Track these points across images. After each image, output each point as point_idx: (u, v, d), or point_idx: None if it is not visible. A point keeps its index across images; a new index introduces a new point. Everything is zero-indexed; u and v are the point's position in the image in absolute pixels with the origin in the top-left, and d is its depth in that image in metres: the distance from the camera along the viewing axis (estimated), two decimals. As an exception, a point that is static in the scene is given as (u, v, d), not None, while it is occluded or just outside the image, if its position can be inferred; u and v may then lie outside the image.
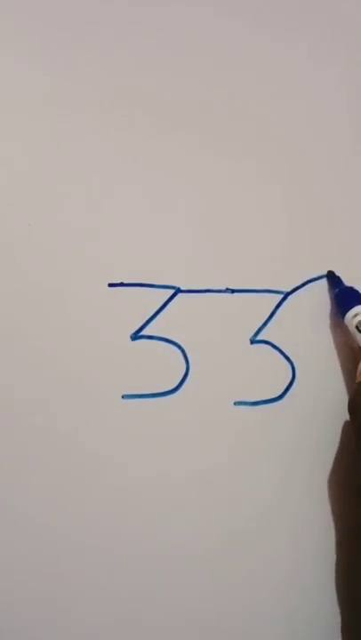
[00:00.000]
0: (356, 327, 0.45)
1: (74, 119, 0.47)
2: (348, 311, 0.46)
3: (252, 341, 0.47)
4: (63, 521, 0.41)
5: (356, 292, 0.47)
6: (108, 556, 0.41)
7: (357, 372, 0.43)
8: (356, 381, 0.43)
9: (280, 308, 0.47)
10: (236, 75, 0.51)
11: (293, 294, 0.48)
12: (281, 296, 0.48)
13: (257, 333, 0.47)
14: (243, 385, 0.45)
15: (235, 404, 0.45)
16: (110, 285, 0.45)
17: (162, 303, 0.45)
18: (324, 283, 0.49)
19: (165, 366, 0.44)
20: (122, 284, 0.45)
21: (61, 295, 0.44)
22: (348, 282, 0.49)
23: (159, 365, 0.44)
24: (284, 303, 0.48)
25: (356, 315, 0.45)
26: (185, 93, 0.50)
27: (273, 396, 0.46)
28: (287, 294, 0.48)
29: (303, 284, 0.48)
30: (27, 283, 0.44)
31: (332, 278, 0.48)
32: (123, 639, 0.40)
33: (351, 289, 0.47)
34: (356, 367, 0.46)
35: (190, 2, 0.50)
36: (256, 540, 0.43)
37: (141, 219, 0.47)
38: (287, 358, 0.47)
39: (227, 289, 0.47)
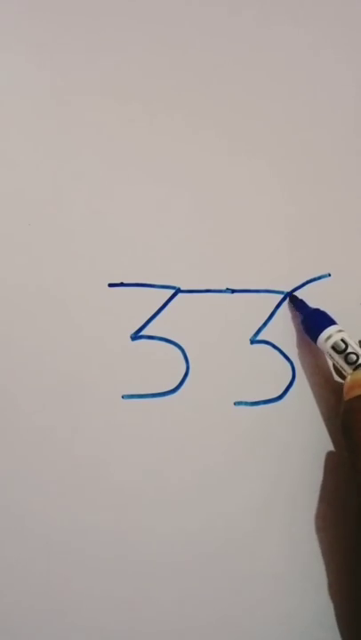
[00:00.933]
0: (333, 348, 0.44)
1: (74, 119, 0.47)
2: (319, 335, 0.45)
3: (252, 341, 0.47)
4: (63, 521, 0.41)
5: (324, 313, 0.46)
6: (107, 556, 0.41)
7: (344, 391, 0.42)
8: (345, 399, 0.42)
9: (280, 308, 0.47)
10: (237, 74, 0.51)
11: (293, 294, 0.48)
12: (281, 296, 0.48)
13: (257, 333, 0.47)
14: (243, 385, 0.45)
15: (235, 404, 0.45)
16: (110, 285, 0.45)
17: (162, 303, 0.45)
18: (324, 283, 0.49)
19: (165, 366, 0.44)
20: (122, 284, 0.45)
21: (61, 295, 0.44)
22: (349, 282, 0.49)
23: (159, 365, 0.44)
24: (284, 303, 0.48)
25: (329, 337, 0.44)
26: (186, 93, 0.50)
27: (273, 396, 0.46)
28: (287, 294, 0.48)
29: (303, 284, 0.48)
30: (26, 283, 0.44)
31: (296, 302, 0.47)
32: None
33: (318, 311, 0.46)
34: (334, 391, 0.46)
35: None
36: (255, 539, 0.43)
37: (141, 219, 0.47)
38: (287, 358, 0.47)
39: (227, 289, 0.47)
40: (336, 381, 0.46)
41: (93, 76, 0.48)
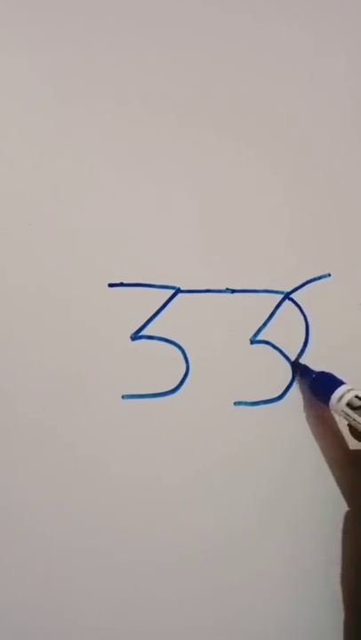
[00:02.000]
0: (349, 405, 0.43)
1: (74, 120, 0.47)
2: (330, 397, 0.44)
3: (252, 341, 0.47)
4: (63, 521, 0.41)
5: (331, 375, 0.45)
6: (107, 556, 0.41)
7: None
8: None
9: (280, 308, 0.47)
10: (237, 74, 0.51)
11: (293, 294, 0.48)
12: (281, 296, 0.48)
13: (257, 333, 0.47)
14: (243, 385, 0.45)
15: (235, 404, 0.45)
16: (110, 285, 0.45)
17: (162, 303, 0.45)
18: (324, 283, 0.49)
19: (165, 366, 0.44)
20: (122, 284, 0.45)
21: (61, 295, 0.44)
22: (349, 282, 0.49)
23: (159, 365, 0.44)
24: (284, 303, 0.48)
25: (341, 396, 0.43)
26: (186, 94, 0.50)
27: (273, 396, 0.46)
28: (287, 294, 0.48)
29: (303, 284, 0.48)
30: (26, 283, 0.44)
31: (301, 368, 0.46)
32: None
33: (324, 373, 0.45)
34: (349, 454, 0.45)
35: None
36: (255, 539, 0.43)
37: (142, 219, 0.47)
38: (287, 358, 0.47)
39: (227, 289, 0.47)
40: (353, 449, 0.46)
41: (93, 76, 0.48)
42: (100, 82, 0.48)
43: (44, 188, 0.46)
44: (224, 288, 0.47)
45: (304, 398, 0.46)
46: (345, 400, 0.43)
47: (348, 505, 0.44)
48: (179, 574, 0.42)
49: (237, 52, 0.51)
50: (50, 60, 0.48)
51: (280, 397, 0.46)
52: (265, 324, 0.47)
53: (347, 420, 0.43)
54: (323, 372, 0.45)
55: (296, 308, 0.48)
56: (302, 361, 0.47)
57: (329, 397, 0.44)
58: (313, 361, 0.47)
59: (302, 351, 0.47)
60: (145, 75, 0.49)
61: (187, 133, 0.49)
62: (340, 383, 0.44)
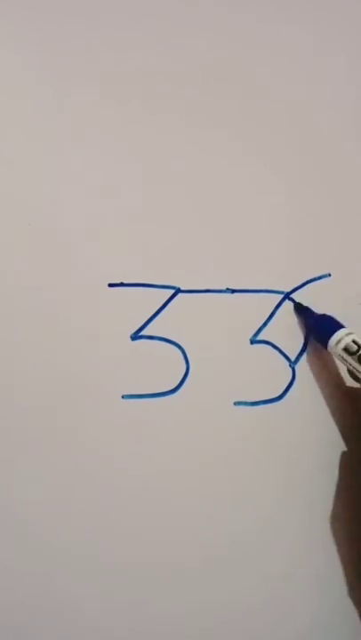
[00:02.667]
0: (345, 350, 0.44)
1: (74, 120, 0.47)
2: (329, 339, 0.45)
3: (252, 341, 0.47)
4: (63, 521, 0.40)
5: (331, 317, 0.46)
6: (107, 556, 0.41)
7: None
8: None
9: (280, 308, 0.47)
10: (238, 73, 0.51)
11: (293, 294, 0.48)
12: (281, 296, 0.48)
13: (257, 333, 0.47)
14: (243, 385, 0.45)
15: (235, 404, 0.45)
16: (110, 285, 0.45)
17: (162, 303, 0.45)
18: (324, 283, 0.49)
19: (165, 366, 0.44)
20: (122, 284, 0.45)
21: (61, 295, 0.44)
22: (349, 282, 0.49)
23: (159, 365, 0.44)
24: (284, 303, 0.48)
25: (339, 340, 0.44)
26: (187, 93, 0.50)
27: (273, 396, 0.46)
28: (287, 294, 0.48)
29: (303, 284, 0.48)
30: (26, 283, 0.44)
31: (302, 310, 0.47)
32: None
33: (325, 316, 0.46)
34: (349, 395, 0.46)
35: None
36: (255, 539, 0.43)
37: (141, 219, 0.47)
38: (287, 358, 0.47)
39: (227, 289, 0.47)
40: (350, 386, 0.46)
41: (93, 76, 0.48)
42: (101, 82, 0.48)
43: (44, 188, 0.46)
44: (224, 288, 0.47)
45: (303, 339, 0.47)
46: (342, 344, 0.44)
47: (346, 445, 0.45)
48: (179, 574, 0.42)
49: (238, 51, 0.52)
50: (50, 60, 0.48)
51: (280, 397, 0.46)
52: (265, 324, 0.47)
53: (343, 364, 0.45)
54: (324, 315, 0.46)
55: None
56: (302, 362, 0.47)
57: (328, 340, 0.45)
58: (312, 360, 0.47)
59: (302, 351, 0.47)
60: (145, 75, 0.49)
61: (187, 133, 0.49)
62: (340, 326, 0.45)
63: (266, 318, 0.47)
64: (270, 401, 0.45)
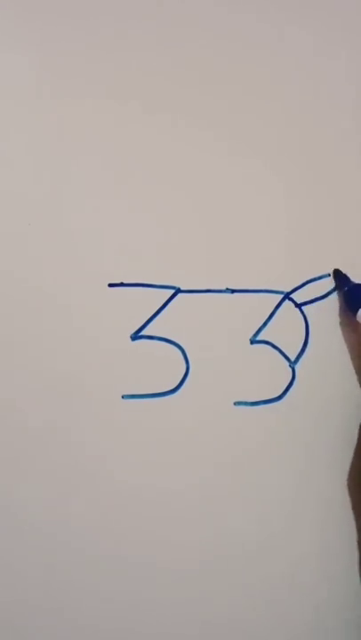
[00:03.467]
0: None
1: (74, 120, 0.47)
2: (358, 308, 0.46)
3: (252, 341, 0.47)
4: (63, 521, 0.41)
5: None
6: (108, 556, 0.41)
7: None
8: None
9: (280, 308, 0.47)
10: (238, 75, 0.51)
11: (293, 294, 0.48)
12: (281, 296, 0.48)
13: (257, 333, 0.47)
14: (243, 385, 0.45)
15: (235, 404, 0.45)
16: (110, 285, 0.45)
17: (162, 303, 0.45)
18: (324, 283, 0.49)
19: (165, 366, 0.44)
20: (122, 284, 0.45)
21: (61, 295, 0.44)
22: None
23: (159, 365, 0.44)
24: (284, 303, 0.48)
25: None
26: (186, 94, 0.50)
27: (273, 396, 0.46)
28: (287, 294, 0.48)
29: (303, 284, 0.48)
30: (27, 283, 0.44)
31: (339, 277, 0.48)
32: None
33: (359, 286, 0.47)
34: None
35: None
36: (256, 539, 0.43)
37: (142, 219, 0.47)
38: (287, 358, 0.47)
39: (227, 289, 0.47)
40: None
41: (93, 76, 0.48)
42: (101, 83, 0.48)
43: (44, 189, 0.46)
44: (224, 288, 0.47)
45: (340, 305, 0.48)
46: None
47: None
48: (179, 572, 0.42)
49: (238, 52, 0.51)
50: (50, 61, 0.48)
51: (280, 397, 0.46)
52: (265, 324, 0.47)
53: None
54: (358, 285, 0.47)
55: (296, 308, 0.48)
56: (302, 360, 0.47)
57: (358, 309, 0.46)
58: (313, 360, 0.47)
59: (302, 350, 0.47)
60: (145, 76, 0.49)
61: (187, 134, 0.49)
62: None
63: (266, 318, 0.47)
64: (270, 401, 0.45)
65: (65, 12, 0.48)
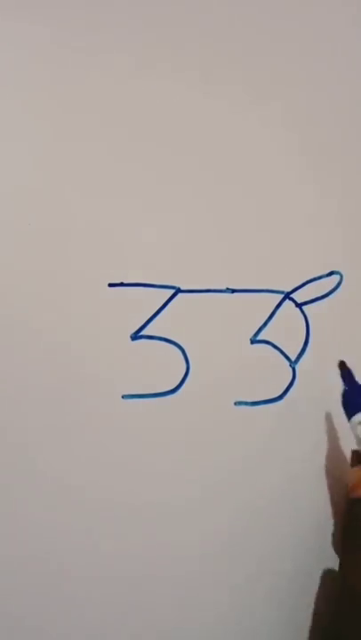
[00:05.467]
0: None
1: (74, 120, 0.47)
2: (354, 415, 0.43)
3: (252, 341, 0.47)
4: (63, 521, 0.41)
5: None
6: (107, 556, 0.41)
7: (349, 485, 0.40)
8: (349, 496, 0.40)
9: (280, 308, 0.47)
10: (237, 71, 0.51)
11: (294, 294, 0.48)
12: (281, 296, 0.48)
13: (257, 333, 0.47)
14: (243, 385, 0.45)
15: (235, 404, 0.45)
16: (110, 285, 0.45)
17: (162, 303, 0.45)
18: (324, 283, 0.49)
19: (165, 366, 0.44)
20: (122, 284, 0.45)
21: (62, 295, 0.44)
22: (349, 281, 0.49)
23: (159, 365, 0.44)
24: (285, 303, 0.48)
25: None
26: (186, 94, 0.50)
27: (273, 396, 0.46)
28: (287, 294, 0.48)
29: (303, 284, 0.48)
30: (27, 283, 0.44)
31: (344, 371, 0.44)
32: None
33: (358, 388, 0.44)
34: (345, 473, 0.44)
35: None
36: (256, 539, 0.43)
37: (142, 219, 0.47)
38: (287, 358, 0.47)
39: (227, 289, 0.47)
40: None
41: (93, 75, 0.48)
42: (101, 82, 0.48)
43: (44, 188, 0.46)
44: (224, 288, 0.47)
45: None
46: None
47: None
48: (179, 572, 0.42)
49: (239, 51, 0.51)
50: (50, 60, 0.48)
51: (280, 397, 0.46)
52: (265, 324, 0.47)
53: (358, 445, 0.42)
54: (357, 386, 0.44)
55: (296, 308, 0.48)
56: (303, 359, 0.47)
57: (353, 415, 0.43)
58: (313, 360, 0.47)
59: (303, 350, 0.47)
60: (145, 76, 0.49)
61: (187, 134, 0.49)
62: None
63: (266, 318, 0.47)
64: (270, 401, 0.45)
65: (67, 7, 0.48)
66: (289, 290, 0.48)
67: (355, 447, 0.45)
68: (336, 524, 0.45)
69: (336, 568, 0.43)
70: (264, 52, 0.52)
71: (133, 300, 0.45)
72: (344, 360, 0.45)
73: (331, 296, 0.48)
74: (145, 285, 0.45)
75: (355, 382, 0.44)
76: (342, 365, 0.44)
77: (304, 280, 0.48)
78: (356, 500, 0.39)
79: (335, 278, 0.49)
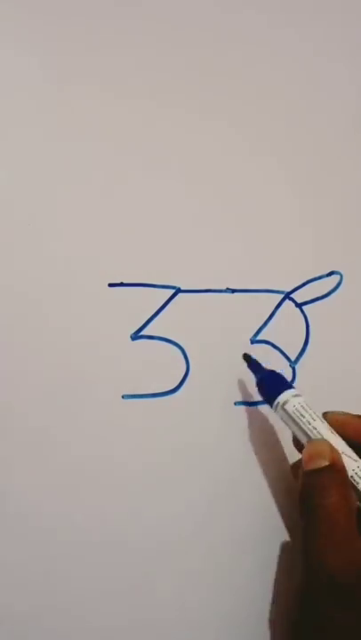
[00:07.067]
0: (289, 413, 0.41)
1: (74, 119, 0.47)
2: (275, 399, 0.41)
3: (252, 341, 0.47)
4: (62, 521, 0.40)
5: (280, 375, 0.42)
6: (107, 556, 0.41)
7: (303, 461, 0.39)
8: (303, 471, 0.39)
9: (280, 308, 0.47)
10: (239, 72, 0.51)
11: (294, 294, 0.48)
12: (281, 296, 0.48)
13: (257, 333, 0.47)
14: (243, 385, 0.45)
15: (235, 404, 0.45)
16: (110, 285, 0.45)
17: (162, 303, 0.45)
18: (324, 283, 0.49)
19: (165, 366, 0.44)
20: (122, 284, 0.45)
21: (61, 295, 0.44)
22: (349, 281, 0.49)
23: (159, 365, 0.44)
24: (284, 303, 0.48)
25: (285, 402, 0.41)
26: (187, 94, 0.50)
27: (273, 396, 0.45)
28: (287, 294, 0.48)
29: (303, 284, 0.48)
30: (27, 283, 0.44)
31: (251, 364, 0.43)
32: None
33: (274, 373, 0.43)
34: (282, 455, 0.44)
35: None
36: (256, 539, 0.43)
37: (142, 218, 0.47)
38: (287, 358, 0.47)
39: (227, 289, 0.47)
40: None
41: (93, 75, 0.48)
42: (101, 80, 0.48)
43: (45, 188, 0.46)
44: (224, 288, 0.47)
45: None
46: (287, 407, 0.41)
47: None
48: (179, 571, 0.41)
49: (238, 50, 0.52)
50: (50, 59, 0.48)
51: (280, 397, 0.46)
52: (265, 324, 0.47)
53: (289, 425, 0.41)
54: (273, 372, 0.43)
55: (296, 308, 0.48)
56: (303, 360, 0.47)
57: (274, 399, 0.42)
58: (313, 360, 0.47)
59: (303, 350, 0.47)
60: (146, 73, 0.49)
61: (187, 133, 0.49)
62: (289, 387, 0.42)
63: (266, 318, 0.47)
64: (270, 401, 0.45)
65: (66, 7, 0.48)
66: (289, 290, 0.48)
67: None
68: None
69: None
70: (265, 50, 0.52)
71: (133, 299, 0.45)
72: (247, 353, 0.44)
73: (331, 296, 0.48)
74: (145, 285, 0.46)
75: (264, 369, 0.43)
76: (247, 358, 0.44)
77: (304, 280, 0.48)
78: (310, 472, 0.39)
79: (335, 278, 0.49)
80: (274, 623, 0.41)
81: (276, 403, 0.42)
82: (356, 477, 0.39)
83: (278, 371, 0.43)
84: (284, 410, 0.41)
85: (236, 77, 0.51)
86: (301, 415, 0.41)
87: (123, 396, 0.43)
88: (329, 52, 0.54)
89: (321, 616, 0.36)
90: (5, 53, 0.48)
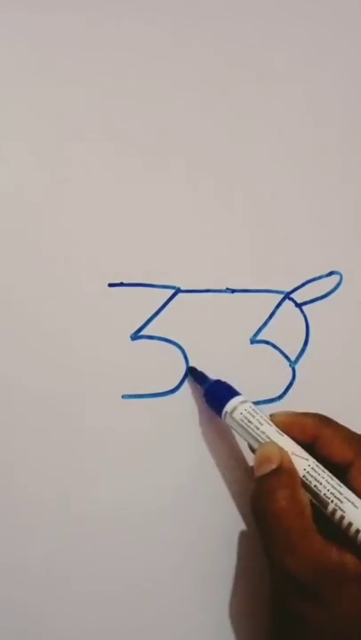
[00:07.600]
0: (238, 421, 0.40)
1: (74, 119, 0.47)
2: (222, 408, 0.41)
3: (252, 341, 0.47)
4: (62, 521, 0.41)
5: (226, 384, 0.42)
6: (106, 554, 0.41)
7: (254, 466, 0.39)
8: (255, 476, 0.38)
9: (280, 308, 0.47)
10: (239, 71, 0.51)
11: (293, 294, 0.48)
12: (281, 296, 0.48)
13: (257, 333, 0.47)
14: (243, 385, 0.45)
15: (235, 403, 0.45)
16: (110, 285, 0.45)
17: (162, 303, 0.45)
18: (324, 283, 0.49)
19: (165, 366, 0.44)
20: (122, 284, 0.45)
21: (61, 295, 0.44)
22: (349, 281, 0.49)
23: (159, 365, 0.44)
24: (284, 303, 0.48)
25: (234, 409, 0.40)
26: (186, 93, 0.50)
27: (273, 396, 0.46)
28: (287, 294, 0.48)
29: (303, 284, 0.48)
30: (26, 283, 0.44)
31: (196, 375, 0.43)
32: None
33: (220, 382, 0.42)
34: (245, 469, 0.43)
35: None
36: (256, 537, 0.43)
37: (142, 218, 0.47)
38: (287, 358, 0.47)
39: (227, 289, 0.47)
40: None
41: (94, 74, 0.48)
42: (101, 80, 0.48)
43: (45, 188, 0.46)
44: (224, 288, 0.47)
45: (198, 408, 0.44)
46: (236, 414, 0.40)
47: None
48: (179, 571, 0.41)
49: (238, 50, 0.52)
50: (50, 59, 0.48)
51: (280, 397, 0.46)
52: (265, 324, 0.47)
53: (238, 434, 0.41)
54: (219, 381, 0.42)
55: (296, 308, 0.48)
56: (303, 360, 0.47)
57: (222, 408, 0.41)
58: (313, 360, 0.47)
59: (303, 350, 0.47)
60: (146, 73, 0.49)
61: (187, 133, 0.49)
62: (235, 394, 0.41)
63: (266, 318, 0.47)
64: (270, 401, 0.45)
65: (66, 10, 0.48)
66: (289, 290, 0.48)
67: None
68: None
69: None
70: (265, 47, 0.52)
71: (133, 299, 0.45)
72: (192, 366, 0.44)
73: (331, 296, 0.48)
74: (145, 285, 0.46)
75: (210, 380, 0.43)
76: (193, 370, 0.44)
77: (304, 280, 0.48)
78: (259, 478, 0.38)
79: (335, 278, 0.49)
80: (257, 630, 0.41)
81: (224, 412, 0.41)
82: (308, 476, 0.38)
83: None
84: (232, 418, 0.41)
85: (237, 77, 0.51)
86: (249, 421, 0.40)
87: (123, 396, 0.43)
88: (331, 49, 0.54)
89: (297, 619, 0.36)
90: (5, 53, 0.48)
